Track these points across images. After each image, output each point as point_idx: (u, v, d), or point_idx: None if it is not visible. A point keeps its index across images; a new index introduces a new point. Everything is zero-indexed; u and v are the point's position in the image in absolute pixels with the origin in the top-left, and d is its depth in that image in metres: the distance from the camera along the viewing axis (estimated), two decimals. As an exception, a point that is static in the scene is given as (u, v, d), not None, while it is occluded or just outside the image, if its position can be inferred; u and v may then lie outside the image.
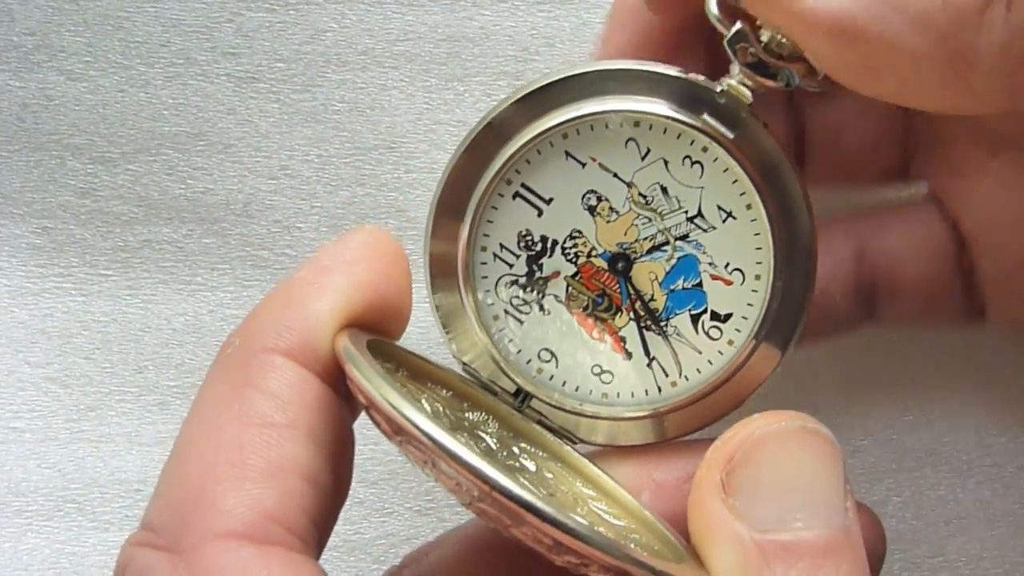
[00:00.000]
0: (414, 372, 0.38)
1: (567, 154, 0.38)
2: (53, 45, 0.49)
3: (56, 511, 0.51)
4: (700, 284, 0.39)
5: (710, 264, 0.39)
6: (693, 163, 0.38)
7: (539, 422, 0.40)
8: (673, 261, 0.39)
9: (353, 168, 0.50)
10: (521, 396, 0.40)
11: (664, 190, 0.38)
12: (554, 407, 0.40)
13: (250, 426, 0.32)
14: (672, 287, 0.39)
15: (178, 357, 0.51)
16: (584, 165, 0.38)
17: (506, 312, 0.39)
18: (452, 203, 0.38)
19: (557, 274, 0.39)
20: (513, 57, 0.50)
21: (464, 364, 0.40)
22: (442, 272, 0.39)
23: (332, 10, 0.50)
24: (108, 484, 0.51)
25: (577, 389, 0.40)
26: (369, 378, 0.32)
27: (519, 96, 0.38)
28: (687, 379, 0.39)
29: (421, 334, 0.40)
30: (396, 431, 0.31)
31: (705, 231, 0.39)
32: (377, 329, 0.36)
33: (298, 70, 0.50)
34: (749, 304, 0.39)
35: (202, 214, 0.51)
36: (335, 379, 0.34)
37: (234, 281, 0.51)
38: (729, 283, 0.39)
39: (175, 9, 0.50)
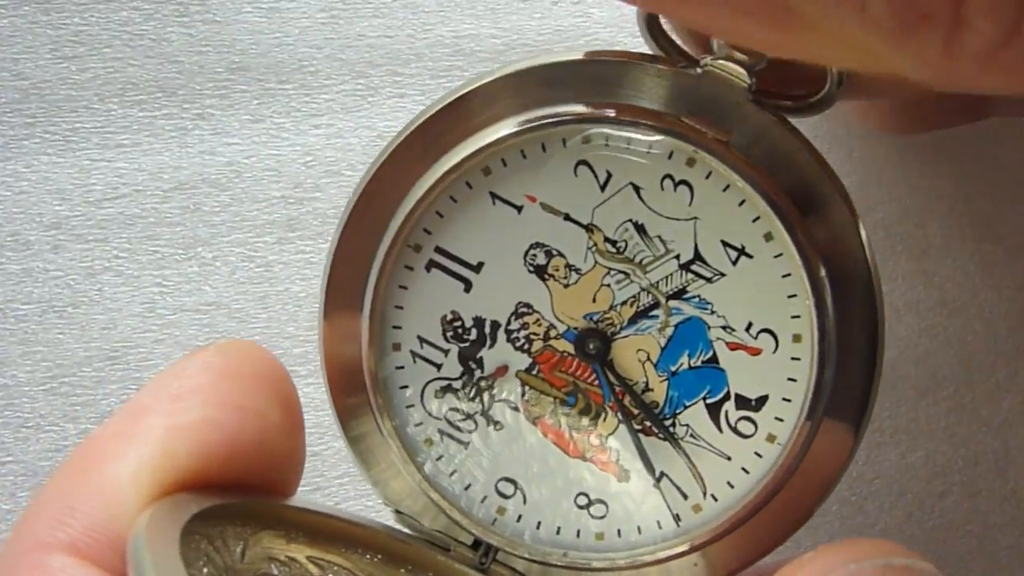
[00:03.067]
0: (316, 536, 0.32)
1: (493, 196, 0.32)
2: None
3: None
4: (714, 358, 0.32)
5: (724, 328, 0.32)
6: (677, 184, 0.31)
7: None
8: (669, 331, 0.32)
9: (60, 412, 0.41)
10: (482, 549, 0.34)
11: (641, 229, 0.31)
12: (531, 560, 0.34)
13: None
14: (673, 368, 0.32)
15: None
16: (520, 209, 0.32)
17: (442, 432, 0.33)
18: (346, 290, 0.32)
19: (504, 370, 0.33)
20: (283, 199, 0.41)
21: (398, 513, 0.34)
22: (350, 388, 0.33)
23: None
24: None
25: (559, 531, 0.33)
26: None
27: (417, 125, 0.32)
28: (715, 499, 0.33)
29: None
30: None
31: (709, 280, 0.32)
32: (249, 483, 0.30)
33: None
34: (791, 378, 0.32)
35: None
36: None
37: None
38: (756, 352, 0.32)
39: None
